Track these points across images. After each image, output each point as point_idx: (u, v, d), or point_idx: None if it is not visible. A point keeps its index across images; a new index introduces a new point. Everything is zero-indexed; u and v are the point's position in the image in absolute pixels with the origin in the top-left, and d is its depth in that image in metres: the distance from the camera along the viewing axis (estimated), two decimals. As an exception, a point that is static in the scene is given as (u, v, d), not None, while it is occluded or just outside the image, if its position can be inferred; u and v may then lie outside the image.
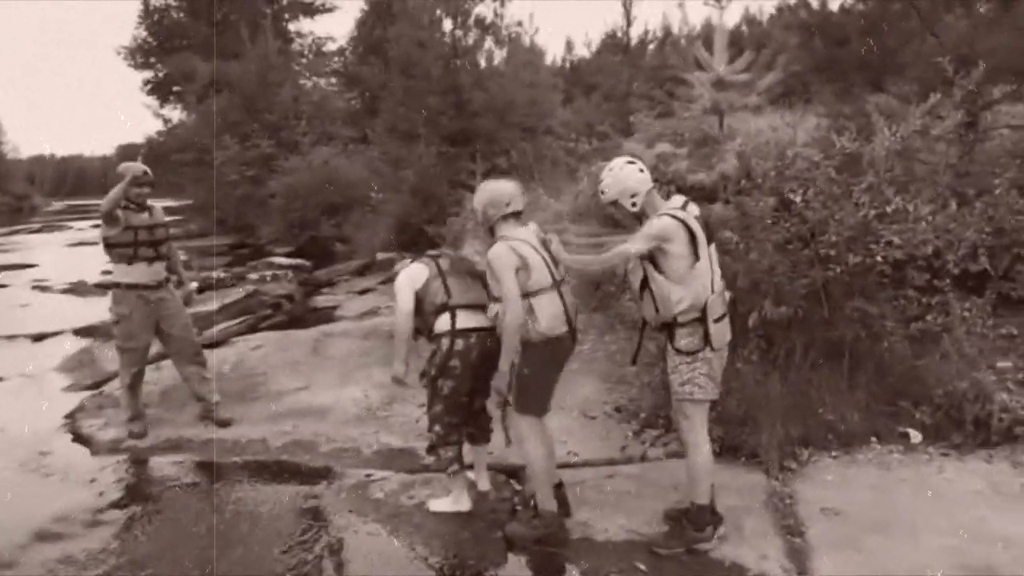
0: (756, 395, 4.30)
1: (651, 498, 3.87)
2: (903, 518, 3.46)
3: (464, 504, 3.92)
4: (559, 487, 3.74)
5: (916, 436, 4.13)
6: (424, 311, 3.78)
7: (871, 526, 3.45)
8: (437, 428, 3.82)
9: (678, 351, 3.31)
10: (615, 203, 3.40)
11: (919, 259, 4.39)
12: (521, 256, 3.42)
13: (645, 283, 3.33)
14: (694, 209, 3.34)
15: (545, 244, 3.57)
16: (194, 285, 5.48)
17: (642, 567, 3.35)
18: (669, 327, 3.33)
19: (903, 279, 4.42)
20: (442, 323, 3.73)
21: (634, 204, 3.35)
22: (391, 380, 3.90)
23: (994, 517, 3.39)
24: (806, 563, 3.30)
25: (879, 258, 4.26)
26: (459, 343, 3.68)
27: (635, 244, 3.24)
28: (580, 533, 3.63)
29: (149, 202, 5.17)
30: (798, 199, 4.56)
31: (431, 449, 3.88)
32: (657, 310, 3.31)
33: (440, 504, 3.96)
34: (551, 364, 3.55)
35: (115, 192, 4.82)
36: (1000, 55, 6.00)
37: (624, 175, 3.37)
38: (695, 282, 3.23)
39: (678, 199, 3.39)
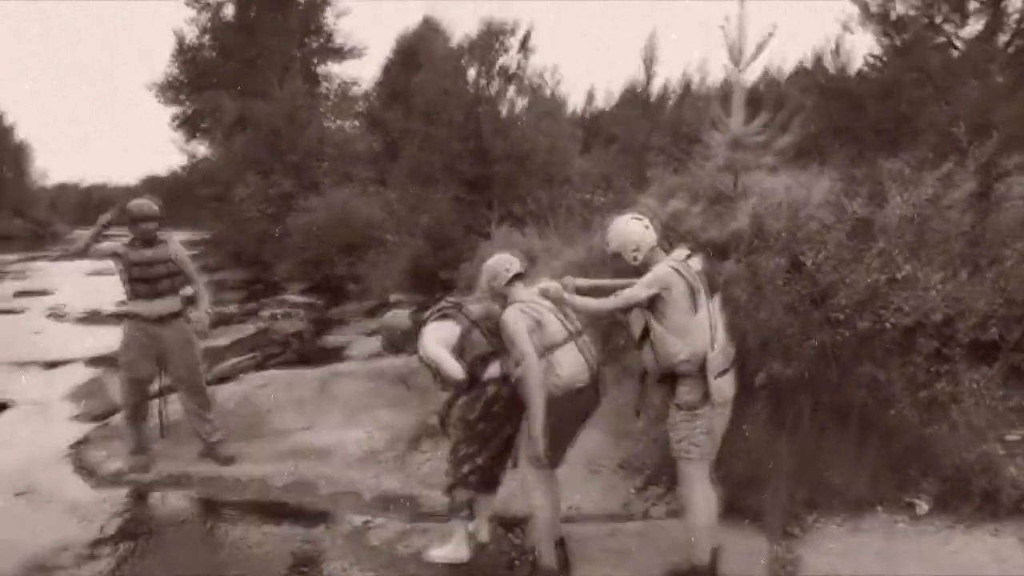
0: (762, 456, 4.25)
1: (652, 557, 3.81)
2: (907, 591, 3.39)
3: (463, 553, 3.88)
4: (561, 544, 3.70)
5: (923, 507, 4.06)
6: (465, 363, 3.75)
7: (875, 597, 3.38)
8: (465, 468, 3.79)
9: (679, 406, 3.32)
10: (618, 255, 3.46)
11: (929, 326, 4.37)
12: (532, 316, 3.47)
13: (646, 333, 3.35)
14: (696, 264, 3.38)
15: (546, 294, 3.60)
16: (206, 318, 5.47)
17: (639, 629, 3.30)
18: (671, 380, 3.34)
19: (912, 346, 4.39)
20: (492, 370, 3.75)
21: (635, 258, 3.41)
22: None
23: (1000, 594, 3.32)
24: (807, 633, 3.24)
25: (888, 324, 4.25)
26: (505, 389, 3.72)
27: (637, 290, 3.29)
28: (578, 591, 3.58)
29: (164, 237, 5.27)
30: (809, 261, 4.58)
31: (449, 489, 3.84)
32: (657, 361, 3.33)
33: (439, 554, 3.91)
34: (572, 417, 3.55)
35: (86, 235, 5.25)
36: (1014, 125, 6.05)
37: (628, 229, 3.44)
38: (692, 335, 3.25)
39: (681, 252, 3.44)
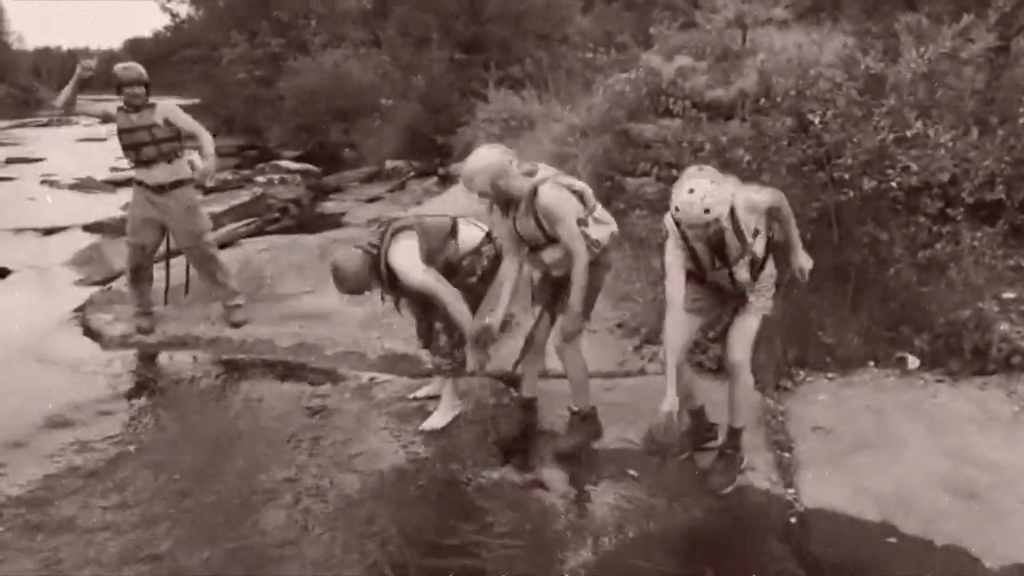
0: (758, 316, 4.31)
1: (646, 410, 3.94)
2: (892, 439, 3.53)
3: (459, 405, 4.00)
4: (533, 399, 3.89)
5: (914, 361, 4.16)
6: (436, 258, 3.74)
7: (860, 445, 3.52)
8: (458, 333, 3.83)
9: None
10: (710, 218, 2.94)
11: (934, 186, 4.31)
12: (577, 192, 3.45)
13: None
14: None
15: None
16: (210, 164, 5.22)
17: (633, 473, 3.47)
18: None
19: (916, 206, 4.35)
20: (470, 239, 3.84)
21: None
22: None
23: (983, 442, 3.45)
24: (792, 477, 3.40)
25: (894, 184, 4.18)
26: (491, 249, 3.85)
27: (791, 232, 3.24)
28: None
29: (153, 101, 5.07)
30: (816, 120, 4.45)
31: (450, 351, 3.84)
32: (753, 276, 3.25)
33: (436, 420, 3.92)
34: (603, 274, 3.66)
35: (66, 90, 4.98)
36: (1041, -25, 5.70)
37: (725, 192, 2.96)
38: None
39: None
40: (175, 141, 5.10)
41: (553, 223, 3.38)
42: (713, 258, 3.16)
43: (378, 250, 3.68)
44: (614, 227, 3.59)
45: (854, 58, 5.20)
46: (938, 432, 3.55)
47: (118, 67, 5.04)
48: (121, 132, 5.00)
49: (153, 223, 5.13)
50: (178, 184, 5.12)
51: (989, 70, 5.40)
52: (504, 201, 3.49)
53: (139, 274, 5.26)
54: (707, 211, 2.86)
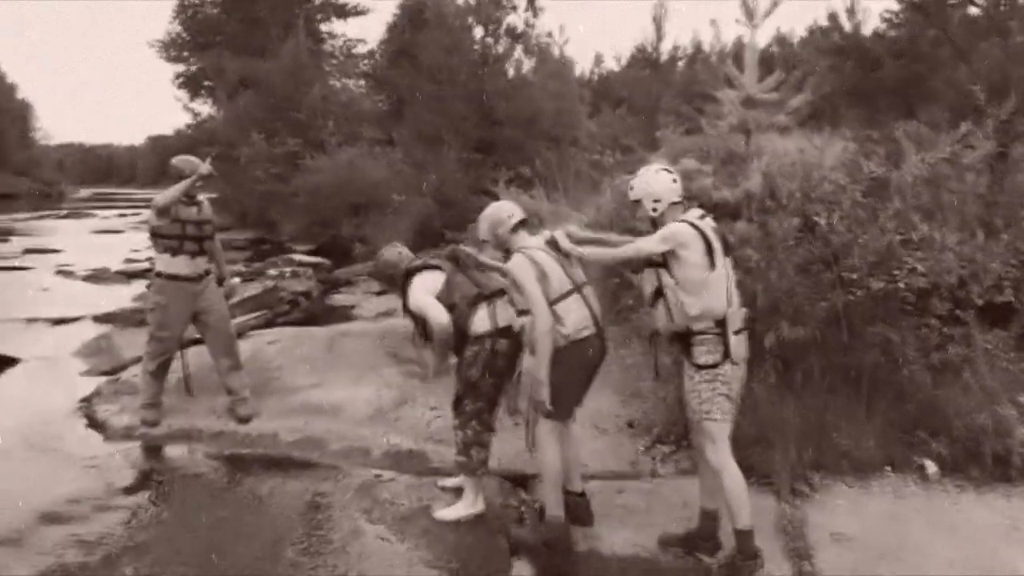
0: (771, 417, 4.25)
1: (660, 514, 3.84)
2: (914, 549, 3.41)
3: (480, 505, 3.90)
4: (581, 495, 3.74)
5: (932, 467, 4.06)
6: (454, 310, 3.74)
7: (881, 555, 3.39)
8: (474, 424, 3.78)
9: (698, 367, 3.25)
10: (638, 202, 3.41)
11: (943, 288, 4.33)
12: (537, 263, 3.46)
13: (658, 293, 3.31)
14: (711, 222, 3.35)
15: (555, 245, 3.56)
16: (237, 280, 5.51)
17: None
18: (685, 340, 3.29)
19: (926, 308, 4.36)
20: (481, 323, 3.73)
21: (655, 209, 3.35)
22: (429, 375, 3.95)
23: (1008, 553, 3.33)
24: (814, 589, 3.26)
25: (902, 285, 4.21)
26: (502, 343, 3.71)
27: (649, 242, 3.27)
28: (586, 545, 3.61)
29: (200, 196, 5.23)
30: (823, 221, 4.52)
31: (464, 449, 3.81)
32: (672, 319, 3.28)
33: (452, 511, 3.88)
34: (579, 368, 3.54)
35: (177, 189, 4.89)
36: (1034, 86, 5.93)
37: (653, 179, 3.38)
38: (708, 292, 3.20)
39: (696, 211, 3.39)
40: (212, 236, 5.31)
41: (515, 288, 3.51)
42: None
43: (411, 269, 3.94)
44: (587, 330, 3.53)
45: (856, 162, 5.33)
46: (962, 543, 3.43)
47: (204, 167, 4.95)
48: (186, 223, 5.07)
49: (186, 315, 5.18)
50: (208, 273, 5.27)
51: (990, 175, 5.52)
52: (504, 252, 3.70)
53: (165, 368, 5.27)
54: (630, 189, 3.44)
